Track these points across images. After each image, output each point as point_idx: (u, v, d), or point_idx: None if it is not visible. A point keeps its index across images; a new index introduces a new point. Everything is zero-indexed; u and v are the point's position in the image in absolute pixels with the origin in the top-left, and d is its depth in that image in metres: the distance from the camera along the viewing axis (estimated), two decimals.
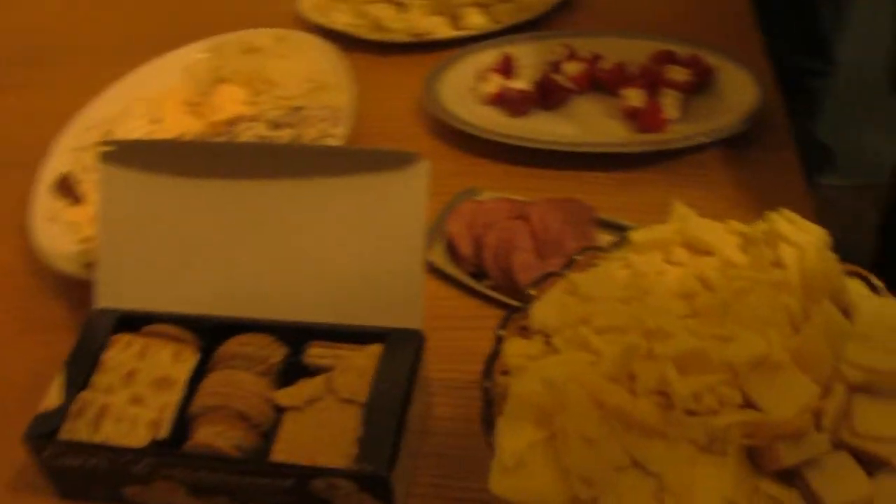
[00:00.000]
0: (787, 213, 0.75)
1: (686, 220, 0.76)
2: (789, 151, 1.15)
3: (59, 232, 1.05)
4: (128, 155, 0.87)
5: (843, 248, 0.75)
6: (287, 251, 0.84)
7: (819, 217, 0.77)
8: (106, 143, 0.88)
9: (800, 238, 0.72)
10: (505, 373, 0.69)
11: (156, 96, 1.26)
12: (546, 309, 0.72)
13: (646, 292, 0.70)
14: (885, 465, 0.63)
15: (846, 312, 0.70)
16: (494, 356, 0.70)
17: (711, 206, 0.96)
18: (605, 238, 0.94)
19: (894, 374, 0.65)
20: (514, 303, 0.76)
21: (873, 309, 0.71)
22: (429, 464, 0.81)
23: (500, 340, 0.71)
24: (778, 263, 0.72)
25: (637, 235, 0.76)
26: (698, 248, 0.75)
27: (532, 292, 0.74)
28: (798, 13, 2.02)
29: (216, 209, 0.85)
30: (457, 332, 0.91)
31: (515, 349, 0.70)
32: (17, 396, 0.90)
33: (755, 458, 0.63)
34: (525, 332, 0.73)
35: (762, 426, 0.61)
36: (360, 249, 0.83)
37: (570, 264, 0.76)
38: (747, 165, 1.13)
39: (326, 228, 0.83)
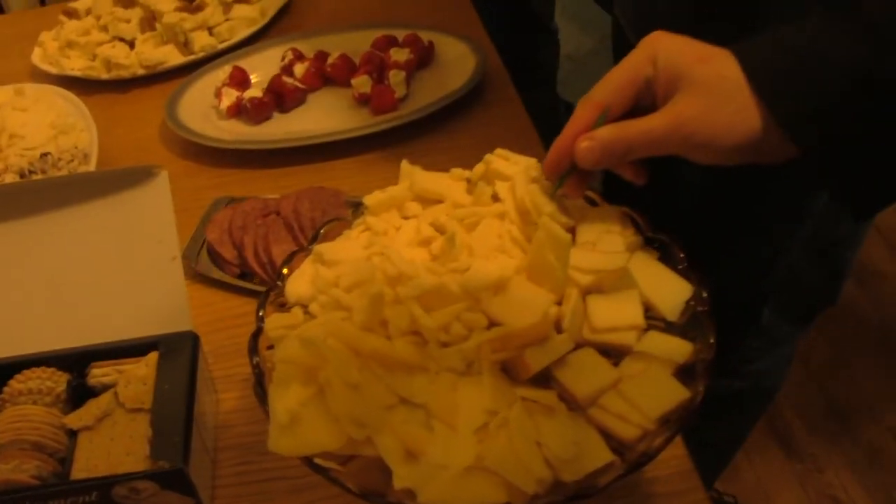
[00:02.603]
0: (502, 151, 0.82)
1: (413, 175, 0.82)
2: (516, 105, 1.24)
3: None
4: None
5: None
6: (51, 283, 0.86)
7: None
8: None
9: (512, 171, 0.79)
10: (270, 347, 0.74)
11: None
12: (298, 282, 0.77)
13: (387, 247, 0.75)
14: (627, 352, 0.71)
15: (571, 229, 0.77)
16: (258, 333, 0.74)
17: (450, 167, 1.04)
18: None
19: (616, 271, 0.73)
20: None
21: (593, 219, 0.79)
22: (229, 456, 0.84)
23: (261, 319, 0.75)
24: (496, 197, 0.79)
25: (371, 199, 0.81)
26: (429, 199, 0.82)
27: (284, 271, 0.79)
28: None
29: None
30: (234, 331, 0.95)
31: (276, 323, 0.74)
32: None
33: (510, 373, 0.69)
34: (284, 308, 0.77)
35: (507, 338, 0.67)
36: (121, 267, 0.85)
37: (315, 238, 0.81)
38: (482, 126, 1.21)
39: (85, 254, 0.86)
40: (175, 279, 0.85)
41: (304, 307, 0.76)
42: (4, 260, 0.87)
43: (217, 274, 1.01)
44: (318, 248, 0.78)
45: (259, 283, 1.00)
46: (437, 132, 1.21)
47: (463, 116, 1.23)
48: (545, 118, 2.36)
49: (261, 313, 0.76)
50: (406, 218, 0.81)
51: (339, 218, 0.84)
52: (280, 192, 1.11)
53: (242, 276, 1.01)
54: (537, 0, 2.18)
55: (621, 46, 1.38)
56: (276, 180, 1.17)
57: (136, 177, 0.85)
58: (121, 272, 0.86)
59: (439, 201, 0.81)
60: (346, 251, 0.77)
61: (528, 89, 2.27)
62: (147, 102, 1.38)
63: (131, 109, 1.38)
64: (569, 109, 2.35)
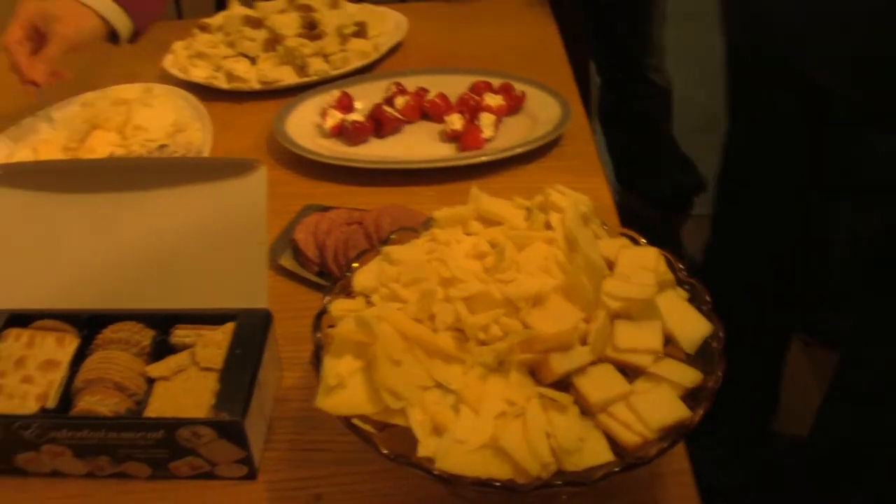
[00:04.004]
0: (559, 186, 0.92)
1: (479, 199, 0.93)
2: (592, 159, 1.33)
3: None
4: (7, 178, 1.00)
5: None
6: (151, 250, 0.98)
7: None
8: None
9: (566, 204, 0.89)
10: (332, 326, 0.84)
11: (35, 144, 1.40)
12: (365, 275, 0.88)
13: (445, 253, 0.86)
14: (642, 372, 0.80)
15: (610, 262, 0.87)
16: (322, 312, 0.85)
17: None
18: None
19: (644, 301, 0.82)
20: None
21: (632, 256, 0.88)
22: (283, 425, 0.94)
23: (328, 301, 0.86)
24: (549, 225, 0.88)
25: (439, 213, 0.92)
26: (490, 221, 0.92)
27: (355, 265, 0.90)
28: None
29: (86, 218, 0.99)
30: (306, 321, 1.04)
31: (340, 306, 0.85)
32: None
33: (537, 376, 0.79)
34: (350, 296, 0.88)
35: (536, 341, 0.77)
36: (213, 244, 0.97)
37: (385, 241, 0.92)
38: (558, 173, 1.31)
39: (183, 228, 0.97)
40: (259, 262, 0.96)
41: (367, 297, 0.86)
42: (115, 224, 0.99)
43: (298, 270, 1.13)
44: (386, 248, 0.88)
45: (332, 281, 1.10)
46: (517, 174, 1.31)
47: (542, 163, 1.33)
48: (653, 163, 2.45)
49: (328, 297, 0.86)
50: (468, 234, 0.91)
51: (411, 227, 0.94)
52: (366, 207, 1.22)
53: (320, 275, 1.12)
54: (637, 50, 2.29)
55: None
56: (364, 197, 1.28)
57: (239, 167, 0.96)
58: (213, 249, 0.97)
59: (498, 222, 0.92)
60: (410, 254, 0.87)
61: (633, 133, 2.38)
62: (259, 115, 1.52)
63: (244, 119, 1.52)
64: (686, 162, 2.40)
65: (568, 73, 1.57)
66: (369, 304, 0.85)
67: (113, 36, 1.44)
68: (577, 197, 0.91)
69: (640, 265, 0.86)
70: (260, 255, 0.96)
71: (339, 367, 0.77)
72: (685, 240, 2.54)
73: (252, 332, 0.93)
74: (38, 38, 1.35)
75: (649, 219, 2.42)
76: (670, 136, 2.46)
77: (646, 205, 2.44)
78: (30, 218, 1.01)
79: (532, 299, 0.80)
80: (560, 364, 0.77)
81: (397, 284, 0.84)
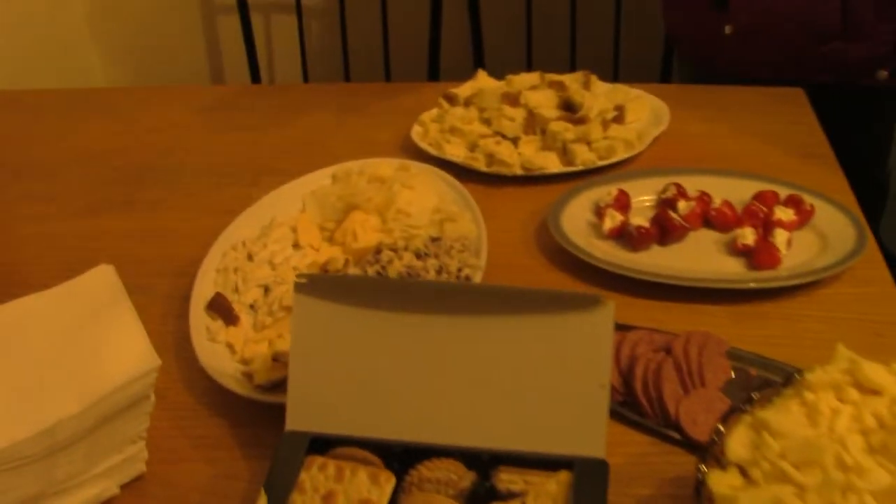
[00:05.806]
0: None
1: (852, 361, 0.85)
2: (888, 285, 1.24)
3: (218, 351, 1.15)
4: (319, 287, 0.96)
5: None
6: (473, 381, 0.92)
7: None
8: (300, 275, 0.96)
9: None
10: (709, 500, 0.77)
11: (288, 220, 1.36)
12: (738, 443, 0.81)
13: (841, 435, 0.78)
14: None
15: None
16: (701, 484, 0.78)
17: (824, 339, 1.07)
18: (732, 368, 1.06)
19: None
20: (662, 430, 0.99)
21: None
22: None
23: (702, 472, 0.79)
24: None
25: (812, 376, 0.85)
26: (866, 388, 0.84)
27: (721, 427, 0.83)
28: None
29: (402, 339, 0.94)
30: (611, 459, 0.99)
31: (718, 479, 0.78)
32: None
33: None
34: (718, 463, 0.81)
35: None
36: (545, 382, 0.91)
37: (749, 401, 0.85)
38: (854, 301, 1.22)
39: (512, 361, 0.91)
40: (599, 406, 0.90)
41: (742, 468, 0.79)
42: (428, 349, 0.94)
43: None
44: (762, 415, 0.82)
45: (638, 414, 1.04)
46: (808, 297, 1.22)
47: (832, 287, 1.24)
48: None
49: (702, 467, 0.80)
50: (842, 401, 0.84)
51: (773, 383, 0.87)
52: (646, 323, 1.16)
53: (623, 404, 1.05)
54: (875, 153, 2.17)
55: None
56: (648, 311, 1.21)
57: (581, 301, 0.90)
58: (546, 387, 0.91)
59: (875, 391, 0.84)
60: (791, 425, 0.80)
61: None
62: (519, 203, 1.46)
63: (503, 206, 1.46)
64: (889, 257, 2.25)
65: (843, 183, 1.48)
66: (745, 477, 0.78)
67: None
68: None
69: None
70: (600, 399, 0.90)
71: None
72: None
73: (593, 485, 0.86)
74: None
75: None
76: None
77: None
78: (337, 333, 0.96)
79: None
80: None
81: (785, 463, 0.77)
